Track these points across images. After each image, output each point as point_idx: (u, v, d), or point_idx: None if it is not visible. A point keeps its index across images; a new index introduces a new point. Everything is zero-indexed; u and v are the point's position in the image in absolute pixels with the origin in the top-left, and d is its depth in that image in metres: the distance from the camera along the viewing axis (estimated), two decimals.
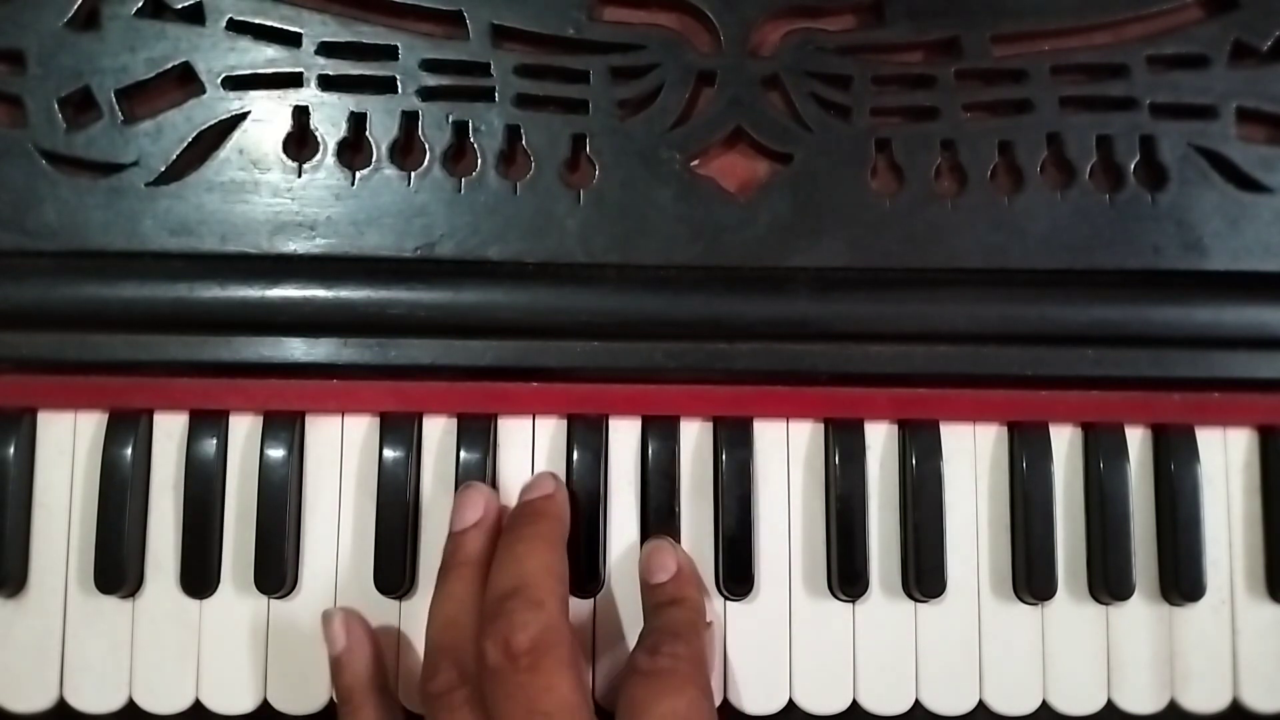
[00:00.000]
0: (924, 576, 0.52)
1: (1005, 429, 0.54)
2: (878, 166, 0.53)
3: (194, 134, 0.51)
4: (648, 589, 0.50)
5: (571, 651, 0.45)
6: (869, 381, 0.52)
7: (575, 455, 0.52)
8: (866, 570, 0.52)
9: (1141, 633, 0.53)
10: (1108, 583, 0.52)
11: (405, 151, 0.52)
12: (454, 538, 0.50)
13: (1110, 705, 0.52)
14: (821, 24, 0.53)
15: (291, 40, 0.52)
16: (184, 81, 0.52)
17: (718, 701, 0.52)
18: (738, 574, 0.52)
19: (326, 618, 0.50)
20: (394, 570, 0.51)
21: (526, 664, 0.43)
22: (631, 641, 0.51)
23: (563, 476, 0.52)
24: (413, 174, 0.51)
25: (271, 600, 0.52)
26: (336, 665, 0.50)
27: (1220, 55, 0.53)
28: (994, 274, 0.52)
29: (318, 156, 0.51)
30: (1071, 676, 0.52)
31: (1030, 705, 0.52)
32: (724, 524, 0.52)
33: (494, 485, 0.52)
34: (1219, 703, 0.53)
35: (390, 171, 0.51)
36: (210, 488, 0.51)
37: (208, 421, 0.52)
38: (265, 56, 0.52)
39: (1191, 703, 0.53)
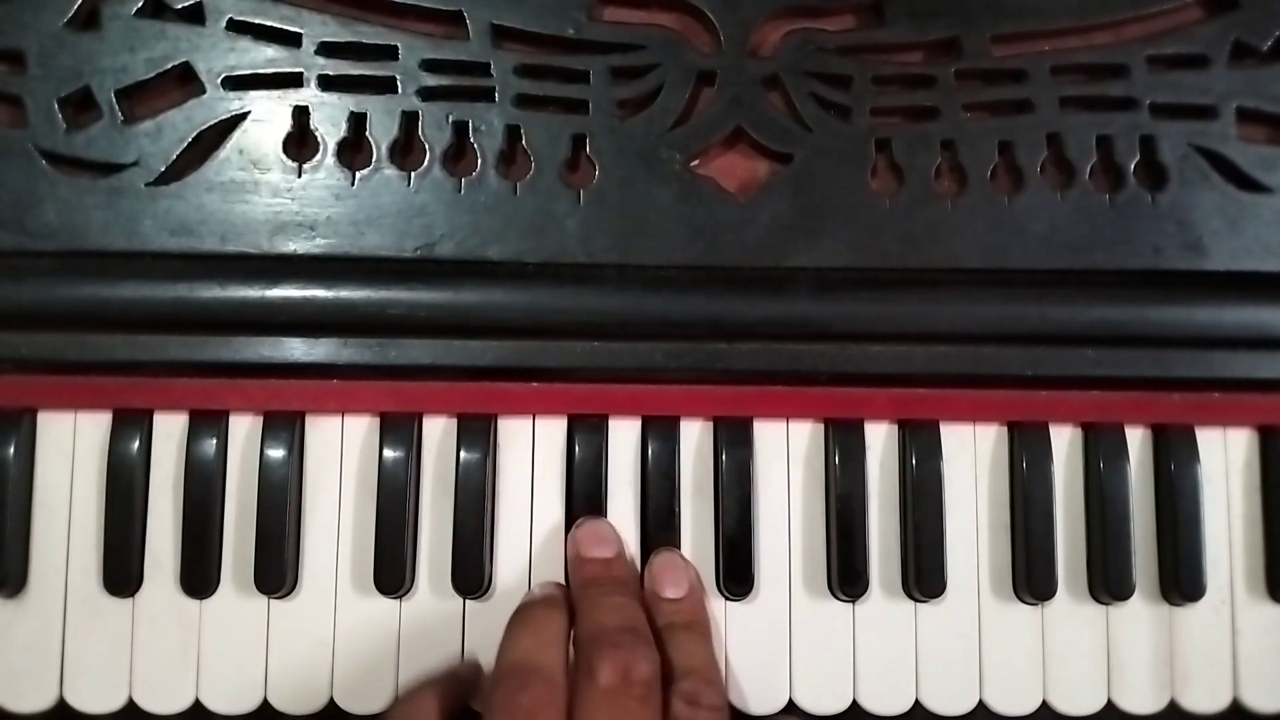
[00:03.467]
0: (924, 576, 0.52)
1: (1005, 429, 0.54)
2: (878, 166, 0.53)
3: (194, 134, 0.51)
4: (658, 600, 0.50)
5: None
6: (869, 381, 0.52)
7: (575, 455, 0.52)
8: (866, 570, 0.52)
9: (1141, 633, 0.53)
10: (1108, 583, 0.52)
11: (405, 151, 0.52)
12: (538, 588, 0.51)
13: (1110, 705, 0.52)
14: (821, 24, 0.53)
15: (291, 40, 0.52)
16: (184, 81, 0.52)
17: None
18: (738, 574, 0.52)
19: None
20: (394, 570, 0.51)
21: (640, 693, 0.44)
22: None
23: (563, 476, 0.52)
24: (413, 174, 0.51)
25: (271, 600, 0.52)
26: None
27: (1220, 55, 0.53)
28: (994, 274, 0.52)
29: (318, 156, 0.51)
30: (1071, 676, 0.52)
31: (1030, 705, 0.52)
32: (724, 524, 0.52)
33: (494, 485, 0.52)
34: (1219, 703, 0.53)
35: (390, 171, 0.51)
36: (210, 488, 0.51)
37: (207, 421, 0.52)
38: (265, 56, 0.52)
39: (1191, 703, 0.53)
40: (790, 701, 0.52)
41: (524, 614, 0.49)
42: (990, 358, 0.52)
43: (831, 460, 0.53)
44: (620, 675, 0.44)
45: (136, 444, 0.51)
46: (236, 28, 0.52)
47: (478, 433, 0.52)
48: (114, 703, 0.51)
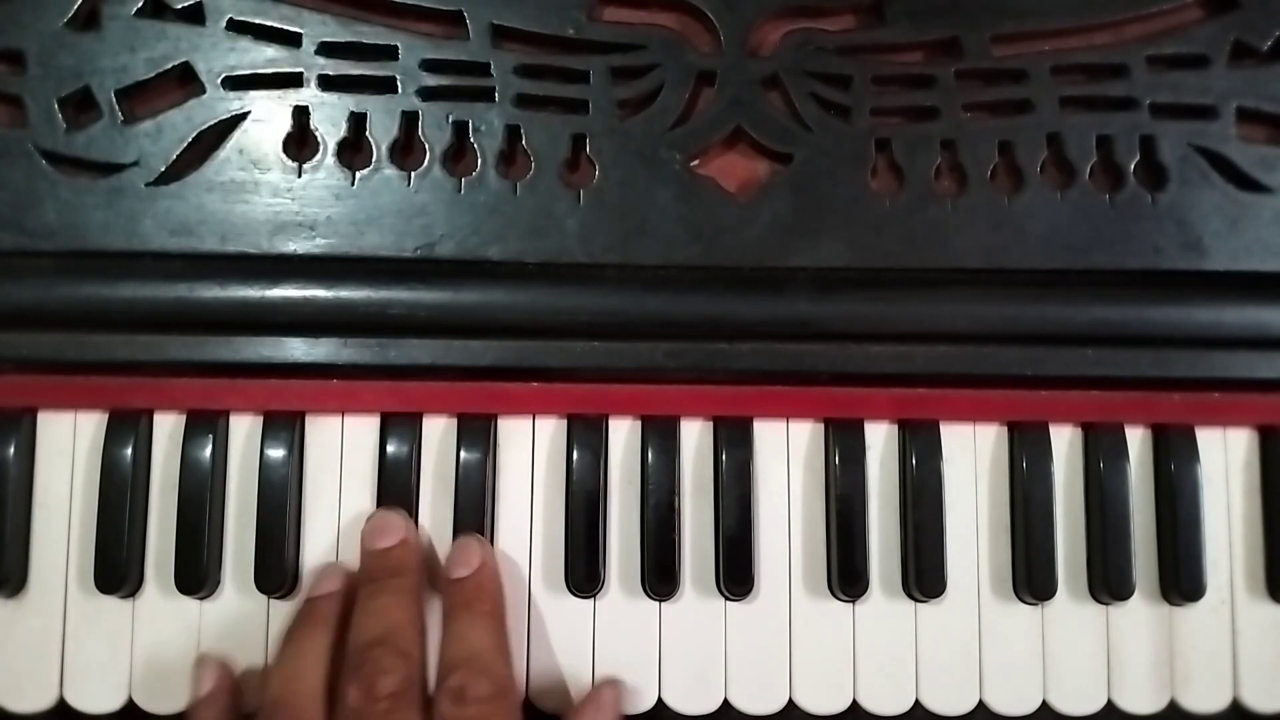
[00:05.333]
0: (924, 576, 0.52)
1: (1005, 429, 0.54)
2: (878, 166, 0.53)
3: (194, 134, 0.51)
4: (446, 584, 0.50)
5: (425, 710, 0.46)
6: (869, 381, 0.52)
7: (575, 455, 0.52)
8: (866, 570, 0.52)
9: (1141, 633, 0.53)
10: (1108, 583, 0.52)
11: (405, 151, 0.52)
12: (309, 602, 0.50)
13: (1110, 705, 0.52)
14: (821, 24, 0.53)
15: (291, 40, 0.52)
16: (184, 81, 0.52)
17: (718, 701, 0.52)
18: (738, 574, 0.52)
19: (199, 663, 0.50)
20: None
21: (386, 707, 0.44)
22: (631, 645, 0.51)
23: (562, 476, 0.52)
24: (413, 174, 0.51)
25: (271, 600, 0.52)
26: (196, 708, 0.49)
27: (1220, 55, 0.53)
28: (994, 274, 0.52)
29: (318, 156, 0.51)
30: (1071, 676, 0.52)
31: (1030, 705, 0.52)
32: (724, 524, 0.52)
33: (493, 485, 0.52)
34: (1219, 703, 0.53)
35: (390, 171, 0.51)
36: (209, 487, 0.51)
37: (207, 421, 0.52)
38: (265, 56, 0.52)
39: (1191, 703, 0.53)
40: (790, 701, 0.52)
41: (288, 636, 0.49)
42: (990, 358, 0.52)
43: (831, 460, 0.53)
44: (364, 693, 0.44)
45: (130, 444, 0.51)
46: (236, 28, 0.52)
47: (478, 433, 0.52)
48: (114, 703, 0.51)
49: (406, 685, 0.45)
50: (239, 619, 0.52)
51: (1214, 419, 0.54)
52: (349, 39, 0.52)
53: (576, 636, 0.52)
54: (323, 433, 0.53)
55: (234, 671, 0.51)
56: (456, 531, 0.51)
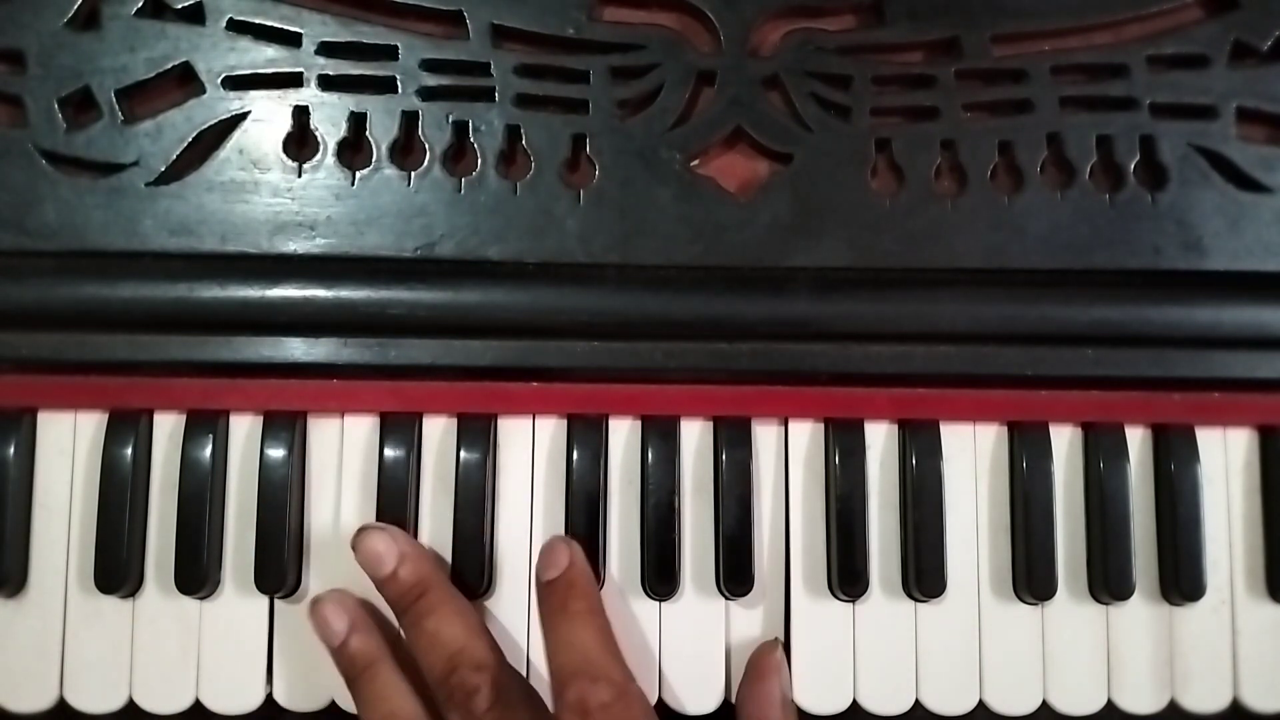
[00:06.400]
0: (924, 576, 0.52)
1: (1005, 429, 0.54)
2: (878, 166, 0.53)
3: (194, 134, 0.51)
4: (538, 586, 0.50)
5: (525, 694, 0.47)
6: (869, 381, 0.52)
7: (575, 455, 0.52)
8: (866, 570, 0.52)
9: (1141, 633, 0.53)
10: (1108, 583, 0.52)
11: (405, 151, 0.52)
12: (341, 652, 0.49)
13: (1110, 705, 0.52)
14: (821, 24, 0.53)
15: (291, 40, 0.52)
16: (184, 81, 0.52)
17: (718, 701, 0.52)
18: (738, 574, 0.52)
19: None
20: None
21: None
22: (639, 640, 0.51)
23: (562, 476, 0.52)
24: (413, 174, 0.51)
25: (272, 600, 0.52)
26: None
27: (1220, 55, 0.53)
28: (994, 274, 0.52)
29: (318, 156, 0.51)
30: (1071, 676, 0.52)
31: (1030, 705, 0.52)
32: (724, 524, 0.52)
33: (493, 485, 0.52)
34: (1219, 703, 0.53)
35: (390, 171, 0.51)
36: (209, 487, 0.51)
37: (207, 421, 0.52)
38: (265, 56, 0.52)
39: (1191, 703, 0.53)
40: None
41: (355, 692, 0.48)
42: (990, 358, 0.52)
43: (831, 460, 0.53)
44: (466, 717, 0.45)
45: (130, 444, 0.51)
46: (236, 28, 0.52)
47: (478, 433, 0.52)
48: (114, 703, 0.51)
49: (498, 691, 0.45)
50: (239, 619, 0.52)
51: (1214, 419, 0.54)
52: (349, 39, 0.52)
53: None
54: (323, 433, 0.53)
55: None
56: (456, 531, 0.51)
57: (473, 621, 0.48)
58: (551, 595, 0.49)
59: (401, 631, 0.49)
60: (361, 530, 0.50)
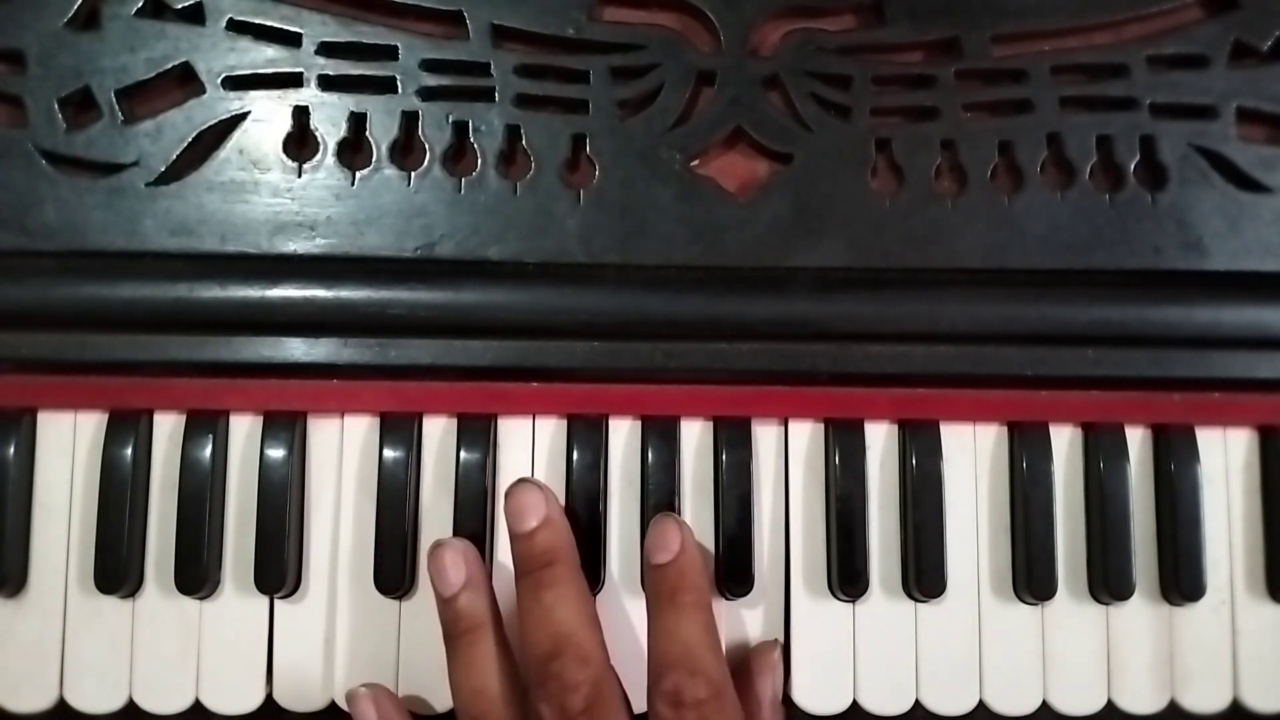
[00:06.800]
0: (924, 576, 0.52)
1: (1005, 429, 0.54)
2: (878, 166, 0.53)
3: (194, 134, 0.51)
4: (647, 568, 0.49)
5: (620, 700, 0.45)
6: (869, 381, 0.52)
7: (575, 455, 0.52)
8: (866, 570, 0.52)
9: (1141, 633, 0.53)
10: (1108, 583, 0.52)
11: (405, 151, 0.52)
12: (448, 605, 0.48)
13: (1110, 705, 0.52)
14: (821, 24, 0.53)
15: (291, 40, 0.52)
16: (184, 81, 0.52)
17: None
18: (738, 574, 0.52)
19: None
20: (394, 570, 0.51)
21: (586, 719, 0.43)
22: (634, 644, 0.51)
23: (563, 476, 0.52)
24: (413, 174, 0.51)
25: (271, 600, 0.52)
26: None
27: (1220, 55, 0.53)
28: (994, 274, 0.52)
29: (318, 156, 0.51)
30: (1071, 676, 0.52)
31: (1030, 705, 0.52)
32: (724, 524, 0.52)
33: (493, 485, 0.52)
34: (1219, 703, 0.53)
35: (390, 171, 0.51)
36: (209, 487, 0.51)
37: (207, 421, 0.52)
38: (265, 56, 0.52)
39: (1191, 703, 0.53)
40: (790, 701, 0.52)
41: (449, 650, 0.48)
42: (990, 358, 0.52)
43: (831, 460, 0.53)
44: (558, 713, 0.44)
45: (130, 444, 0.51)
46: (236, 28, 0.52)
47: (478, 433, 0.52)
48: (114, 703, 0.51)
49: (596, 694, 0.44)
50: (239, 619, 0.52)
51: (1214, 419, 0.54)
52: (349, 39, 0.52)
53: None
54: (323, 433, 0.53)
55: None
56: (456, 531, 0.51)
57: (589, 611, 0.47)
58: (661, 581, 0.48)
59: (517, 598, 0.48)
60: (519, 480, 0.50)
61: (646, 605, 0.49)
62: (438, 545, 0.49)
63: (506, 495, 0.49)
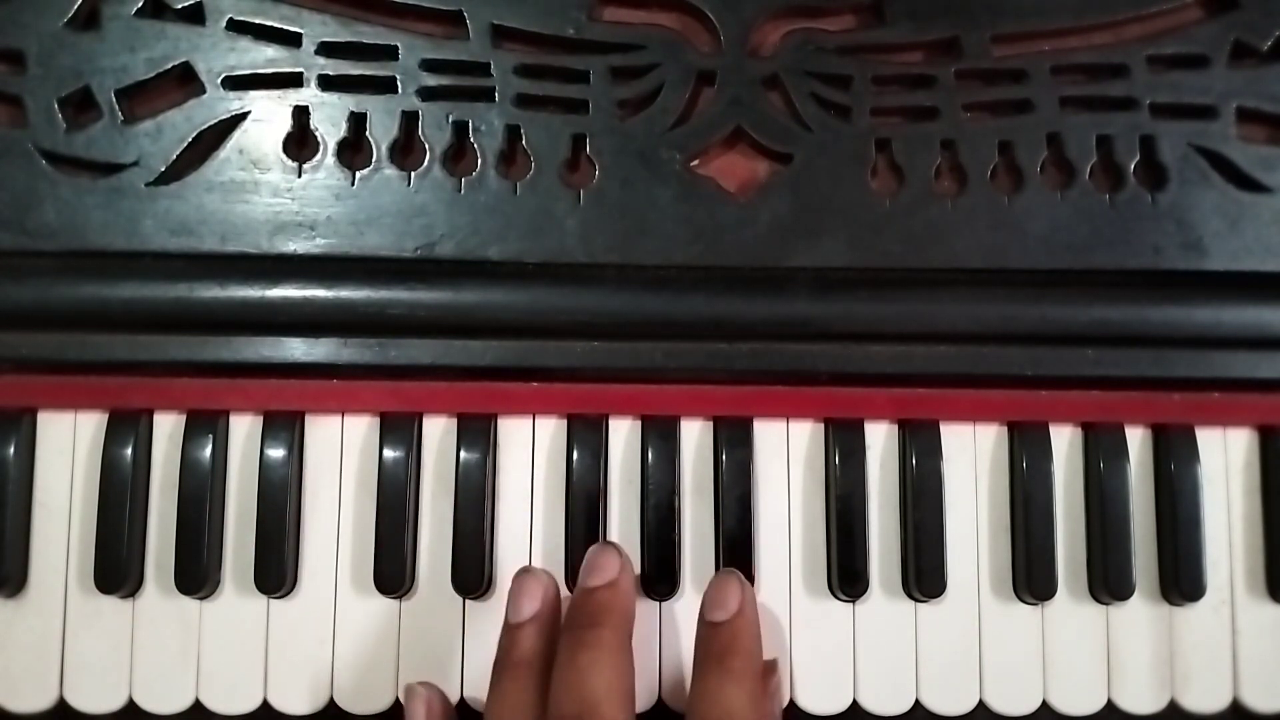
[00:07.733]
0: (924, 576, 0.52)
1: (1005, 429, 0.54)
2: (878, 166, 0.53)
3: (194, 134, 0.51)
4: (701, 624, 0.49)
5: None
6: (869, 381, 0.52)
7: (575, 455, 0.52)
8: (866, 570, 0.52)
9: (1141, 633, 0.53)
10: (1108, 583, 0.52)
11: (405, 151, 0.52)
12: (510, 631, 0.48)
13: (1110, 705, 0.52)
14: (821, 24, 0.53)
15: (291, 40, 0.52)
16: (184, 81, 0.52)
17: None
18: None
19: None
20: (394, 570, 0.51)
21: None
22: (635, 645, 0.51)
23: (562, 476, 0.52)
24: (413, 174, 0.51)
25: (271, 600, 0.52)
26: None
27: (1220, 55, 0.53)
28: (994, 274, 0.52)
29: (318, 156, 0.51)
30: (1071, 676, 0.52)
31: (1030, 705, 0.52)
32: (724, 524, 0.52)
33: (493, 485, 0.52)
34: (1219, 703, 0.53)
35: (390, 171, 0.51)
36: (209, 487, 0.51)
37: (207, 421, 0.52)
38: (265, 56, 0.52)
39: (1191, 703, 0.53)
40: (791, 701, 0.52)
41: (494, 675, 0.47)
42: (990, 358, 0.52)
43: (831, 460, 0.53)
44: None
45: (130, 444, 0.51)
46: (236, 28, 0.52)
47: (478, 433, 0.52)
48: (114, 703, 0.51)
49: None
50: (239, 619, 0.52)
51: (1214, 419, 0.54)
52: (349, 39, 0.52)
53: None
54: (323, 433, 0.53)
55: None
56: (456, 532, 0.51)
57: (625, 686, 0.45)
58: (713, 640, 0.47)
59: (558, 648, 0.47)
60: (606, 543, 0.50)
61: (694, 659, 0.48)
62: (525, 571, 0.50)
63: (590, 550, 0.50)
